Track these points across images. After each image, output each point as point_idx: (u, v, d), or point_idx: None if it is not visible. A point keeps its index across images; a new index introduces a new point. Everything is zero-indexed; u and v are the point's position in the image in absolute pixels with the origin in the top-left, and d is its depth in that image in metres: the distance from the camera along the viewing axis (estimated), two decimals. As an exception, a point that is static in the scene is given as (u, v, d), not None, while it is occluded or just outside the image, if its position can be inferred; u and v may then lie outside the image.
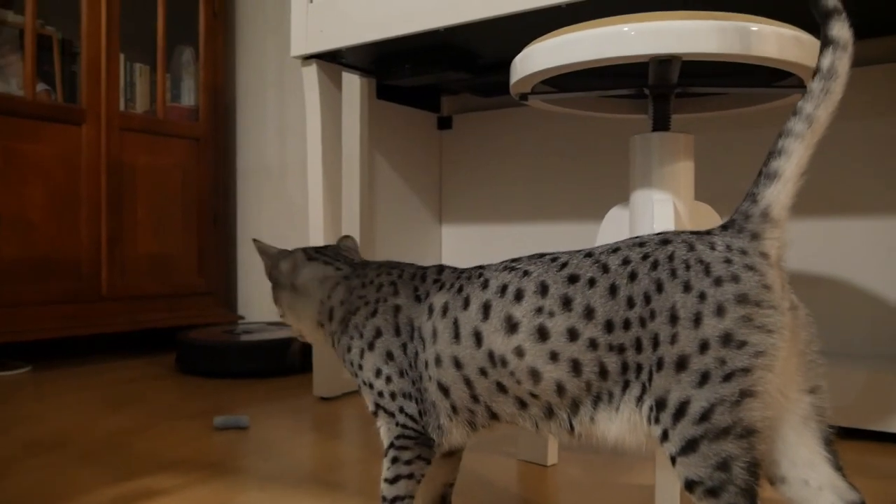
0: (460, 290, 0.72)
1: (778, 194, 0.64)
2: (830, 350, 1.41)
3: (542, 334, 0.65)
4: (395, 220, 1.76)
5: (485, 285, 0.71)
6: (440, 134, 1.91)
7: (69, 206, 1.94)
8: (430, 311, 0.73)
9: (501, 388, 0.68)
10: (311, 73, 1.56)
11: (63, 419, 1.36)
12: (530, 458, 1.10)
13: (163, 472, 1.05)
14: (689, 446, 0.58)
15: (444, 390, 0.71)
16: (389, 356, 0.74)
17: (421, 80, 1.61)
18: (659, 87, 0.95)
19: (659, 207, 0.91)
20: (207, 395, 1.60)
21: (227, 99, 2.45)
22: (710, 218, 0.98)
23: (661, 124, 0.96)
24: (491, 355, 0.67)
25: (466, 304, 0.70)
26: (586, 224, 1.70)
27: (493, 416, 0.70)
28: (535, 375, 0.65)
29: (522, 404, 0.68)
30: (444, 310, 0.72)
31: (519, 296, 0.67)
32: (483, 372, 0.68)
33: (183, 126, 2.23)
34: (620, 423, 0.63)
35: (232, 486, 0.99)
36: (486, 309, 0.69)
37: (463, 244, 1.89)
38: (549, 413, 0.66)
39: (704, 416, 0.57)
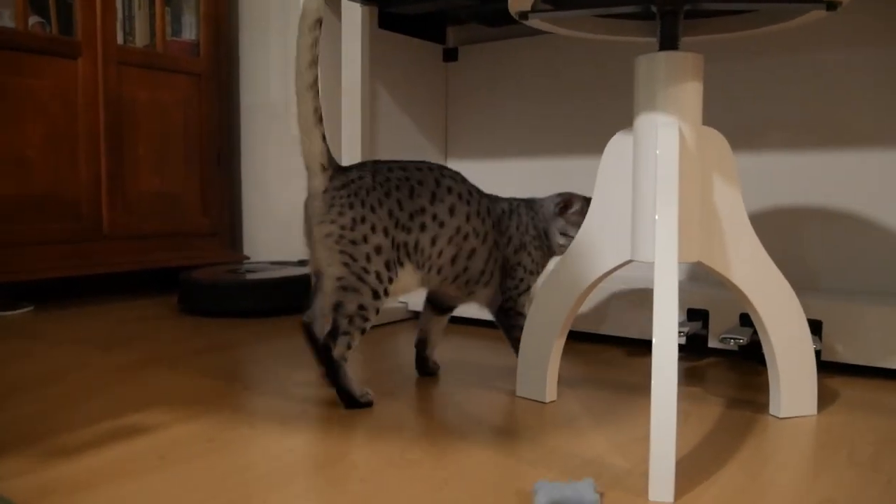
0: None
1: None
2: (848, 287, 1.36)
3: None
4: (398, 155, 1.71)
5: None
6: (445, 66, 1.85)
7: (67, 142, 1.90)
8: None
9: None
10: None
11: (61, 357, 1.35)
12: (529, 395, 1.07)
13: (154, 408, 1.03)
14: None
15: None
16: None
17: (425, 6, 1.54)
18: (667, 2, 0.89)
19: (663, 132, 0.85)
20: (208, 333, 1.58)
21: (230, 34, 2.38)
22: (719, 145, 0.92)
23: (668, 43, 0.90)
24: None
25: None
26: (596, 159, 1.64)
27: None
28: None
29: None
30: None
31: None
32: None
33: (184, 61, 2.17)
34: None
35: (221, 423, 0.97)
36: None
37: (469, 180, 1.83)
38: None
39: None
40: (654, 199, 0.84)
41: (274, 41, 2.31)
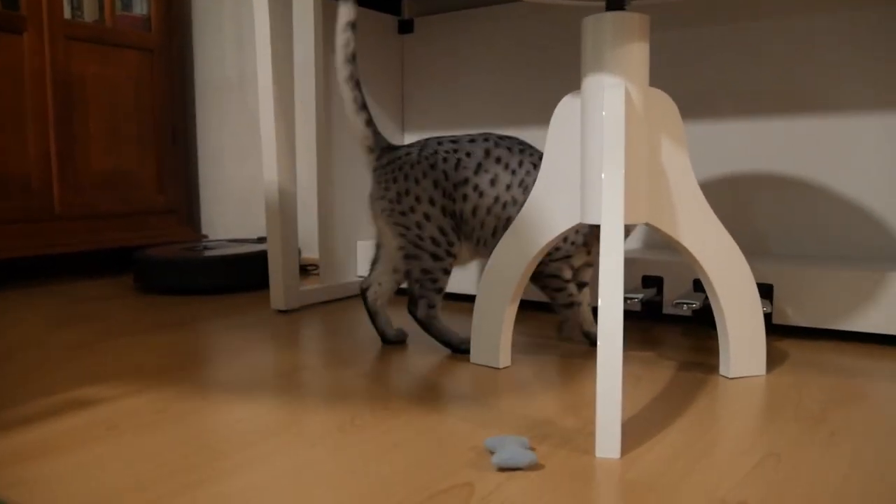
0: None
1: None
2: (798, 252, 1.38)
3: None
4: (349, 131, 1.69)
5: None
6: (401, 38, 1.83)
7: (14, 119, 1.85)
8: None
9: None
10: (257, -31, 1.47)
11: (13, 336, 1.32)
12: (483, 362, 1.08)
13: (106, 382, 1.02)
14: None
15: None
16: None
17: (376, -24, 1.51)
18: (612, -37, 0.89)
19: (610, 93, 0.85)
20: (164, 310, 1.56)
21: (181, 8, 2.33)
22: (666, 107, 0.92)
23: (615, 4, 0.90)
24: None
25: None
26: (552, 129, 1.63)
27: None
28: None
29: None
30: None
31: None
32: None
33: (134, 36, 2.12)
34: None
35: (174, 394, 0.96)
36: None
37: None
38: None
39: None
40: (602, 160, 0.84)
41: (227, 15, 2.26)
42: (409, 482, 0.68)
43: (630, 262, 1.36)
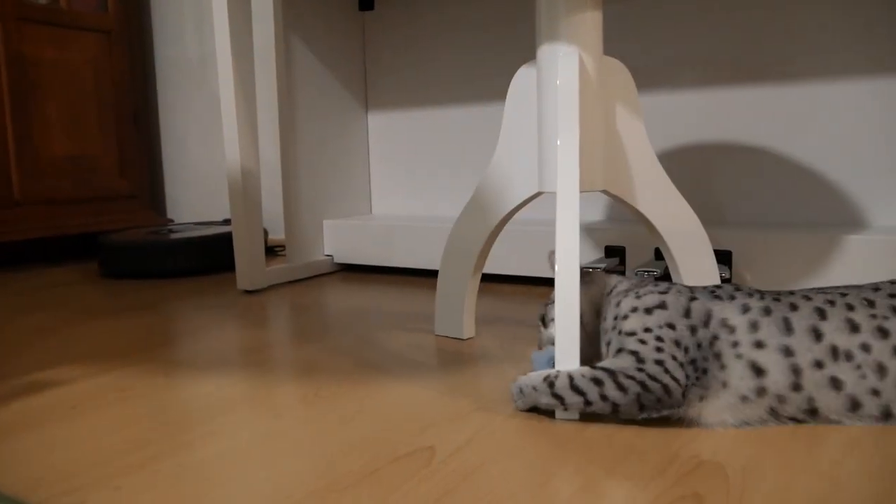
0: None
1: None
2: (756, 219, 1.40)
3: None
4: (316, 108, 1.68)
5: None
6: (362, 15, 1.82)
7: (-31, 104, 1.82)
8: None
9: None
10: (213, -54, 1.45)
11: (-31, 321, 1.31)
12: (447, 333, 1.09)
13: (68, 364, 1.01)
14: None
15: None
16: None
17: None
18: (564, -68, 0.89)
19: (564, 61, 0.86)
20: (128, 294, 1.55)
21: (140, -11, 2.30)
22: (621, 75, 0.93)
23: (567, -26, 0.90)
24: None
25: None
26: (514, 104, 1.64)
27: None
28: None
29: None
30: None
31: None
32: None
33: (90, 17, 2.09)
34: None
35: (136, 374, 0.95)
36: None
37: (391, 131, 1.83)
38: None
39: None
40: (557, 128, 0.85)
41: (187, -4, 2.23)
42: (372, 447, 0.68)
43: (593, 232, 1.38)
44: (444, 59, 1.72)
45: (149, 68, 2.34)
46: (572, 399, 0.71)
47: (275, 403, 0.82)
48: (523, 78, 0.96)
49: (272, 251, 2.06)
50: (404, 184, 1.83)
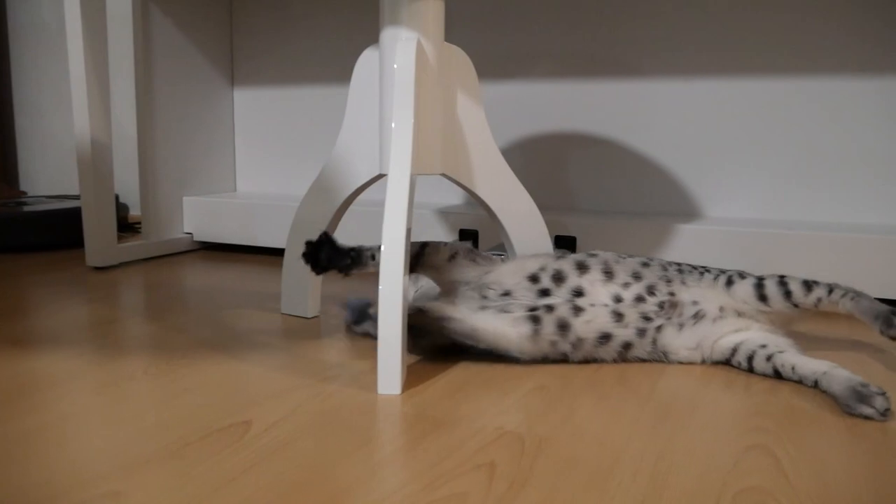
0: None
1: None
2: (601, 207, 1.47)
3: None
4: (177, 82, 1.64)
5: None
6: (228, -11, 1.78)
7: None
8: None
9: None
10: None
11: None
12: (292, 312, 1.09)
13: None
14: None
15: None
16: None
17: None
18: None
19: (402, 45, 0.88)
20: (-34, 268, 1.47)
21: (-7, -54, 2.16)
22: (462, 62, 0.96)
23: (410, -40, 0.92)
24: None
25: None
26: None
27: None
28: None
29: None
30: None
31: None
32: None
33: (-65, -27, 1.95)
34: None
35: (-45, 350, 0.91)
36: None
37: (258, 108, 1.80)
38: None
39: None
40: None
41: (44, -44, 2.12)
42: (188, 423, 0.69)
43: (448, 216, 1.41)
44: (312, 38, 1.71)
45: (2, 34, 2.21)
46: None
47: (99, 379, 0.80)
48: (367, 60, 0.97)
49: (132, 228, 1.99)
50: (271, 162, 1.81)
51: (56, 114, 2.17)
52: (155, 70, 1.58)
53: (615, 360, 0.88)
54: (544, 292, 0.87)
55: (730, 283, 0.89)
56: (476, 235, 1.38)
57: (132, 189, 2.00)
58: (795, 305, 0.87)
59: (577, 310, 0.85)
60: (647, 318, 0.86)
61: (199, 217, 1.68)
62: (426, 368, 0.86)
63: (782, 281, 0.88)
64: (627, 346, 0.87)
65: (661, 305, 0.87)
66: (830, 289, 0.87)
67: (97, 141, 1.44)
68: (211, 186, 1.77)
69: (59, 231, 1.72)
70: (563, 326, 0.85)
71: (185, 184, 1.69)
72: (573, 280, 0.87)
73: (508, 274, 0.89)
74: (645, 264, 0.91)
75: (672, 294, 0.88)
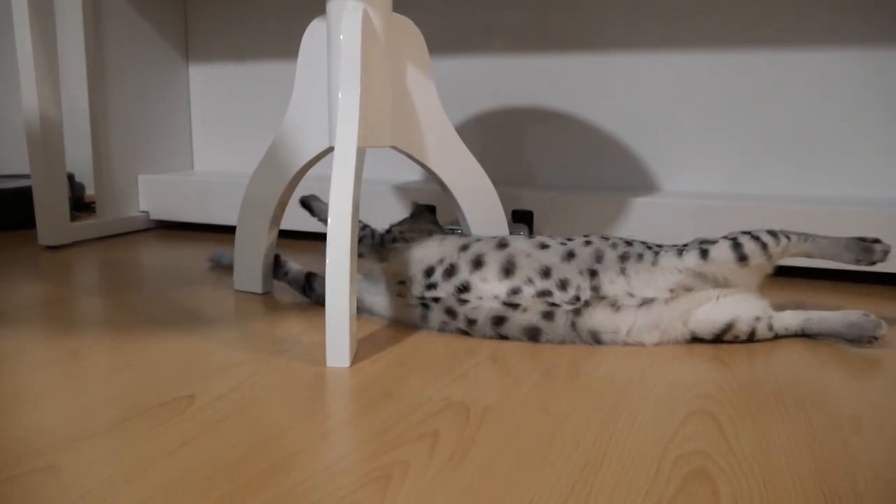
0: None
1: None
2: (559, 182, 1.47)
3: None
4: (130, 57, 1.60)
5: None
6: (181, -38, 1.74)
7: None
8: None
9: None
10: None
11: None
12: (245, 288, 1.08)
13: None
14: None
15: None
16: None
17: None
18: None
19: (348, 16, 0.87)
20: (-88, 249, 1.43)
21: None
22: (411, 34, 0.95)
23: (357, -72, 0.91)
24: None
25: None
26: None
27: None
28: None
29: None
30: None
31: None
32: None
33: None
34: None
35: None
36: None
37: (214, 84, 1.77)
38: None
39: None
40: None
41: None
42: (130, 398, 0.68)
43: (406, 191, 1.40)
44: (268, 12, 1.68)
45: (-51, 6, 2.14)
46: None
47: (41, 357, 0.79)
48: (314, 31, 0.96)
49: (89, 207, 1.96)
50: (228, 139, 1.79)
51: (5, 90, 2.12)
52: (106, 45, 1.55)
53: (524, 340, 0.86)
54: (432, 286, 0.88)
55: (704, 255, 0.84)
56: (434, 210, 1.38)
57: (88, 169, 1.96)
58: (770, 257, 0.85)
59: (463, 302, 0.86)
60: (554, 305, 0.84)
61: (155, 195, 1.65)
62: (377, 343, 0.86)
63: (754, 236, 0.85)
64: (533, 329, 0.85)
65: (576, 299, 0.83)
66: (787, 235, 0.87)
67: (46, 117, 1.41)
68: (167, 164, 1.74)
69: (11, 211, 1.68)
70: (450, 312, 0.87)
71: (140, 161, 1.66)
72: (463, 275, 0.87)
73: (411, 263, 0.91)
74: (571, 255, 0.86)
75: (595, 289, 0.83)
